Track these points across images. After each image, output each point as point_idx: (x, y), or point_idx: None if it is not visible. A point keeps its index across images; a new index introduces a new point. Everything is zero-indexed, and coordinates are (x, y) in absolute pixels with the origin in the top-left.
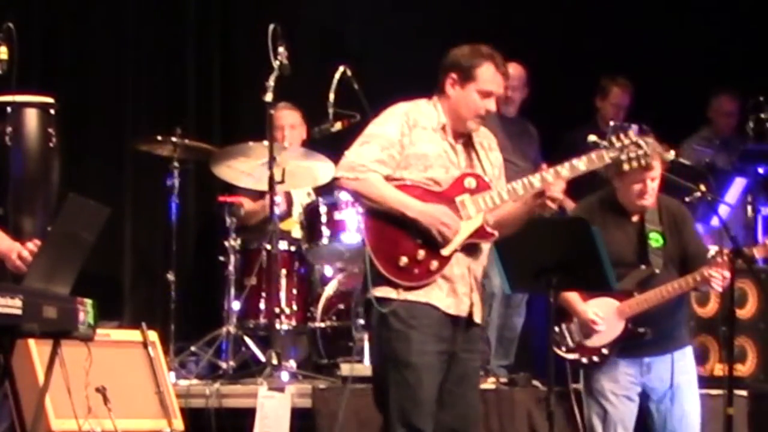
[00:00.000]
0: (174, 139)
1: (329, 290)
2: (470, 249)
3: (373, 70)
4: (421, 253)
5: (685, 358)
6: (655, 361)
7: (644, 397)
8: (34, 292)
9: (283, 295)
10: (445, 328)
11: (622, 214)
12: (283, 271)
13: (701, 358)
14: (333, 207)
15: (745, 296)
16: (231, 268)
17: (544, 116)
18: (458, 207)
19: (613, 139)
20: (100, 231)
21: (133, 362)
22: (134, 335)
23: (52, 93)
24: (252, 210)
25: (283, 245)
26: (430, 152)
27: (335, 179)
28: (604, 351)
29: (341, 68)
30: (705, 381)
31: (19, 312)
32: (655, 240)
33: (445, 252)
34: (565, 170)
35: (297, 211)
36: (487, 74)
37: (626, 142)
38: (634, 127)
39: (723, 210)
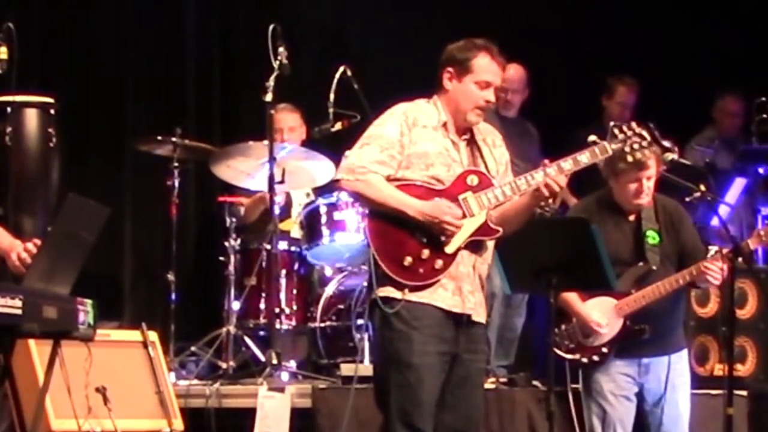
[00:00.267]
0: (174, 139)
1: (329, 290)
2: (475, 247)
3: (373, 70)
4: (426, 252)
5: (681, 361)
6: (653, 363)
7: (640, 397)
8: (34, 292)
9: (283, 295)
10: (447, 329)
11: (619, 214)
12: (283, 271)
13: (701, 358)
14: (333, 207)
15: (745, 296)
16: (231, 268)
17: (545, 116)
18: (461, 204)
19: (616, 131)
20: (100, 231)
21: (133, 362)
22: (134, 335)
23: (52, 93)
24: (251, 205)
25: (282, 245)
26: (431, 150)
27: (336, 181)
28: (604, 350)
29: (341, 68)
30: (705, 381)
31: (19, 312)
32: (652, 238)
33: (449, 250)
34: (568, 164)
35: (296, 211)
36: (483, 64)
37: (629, 133)
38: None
39: (723, 210)
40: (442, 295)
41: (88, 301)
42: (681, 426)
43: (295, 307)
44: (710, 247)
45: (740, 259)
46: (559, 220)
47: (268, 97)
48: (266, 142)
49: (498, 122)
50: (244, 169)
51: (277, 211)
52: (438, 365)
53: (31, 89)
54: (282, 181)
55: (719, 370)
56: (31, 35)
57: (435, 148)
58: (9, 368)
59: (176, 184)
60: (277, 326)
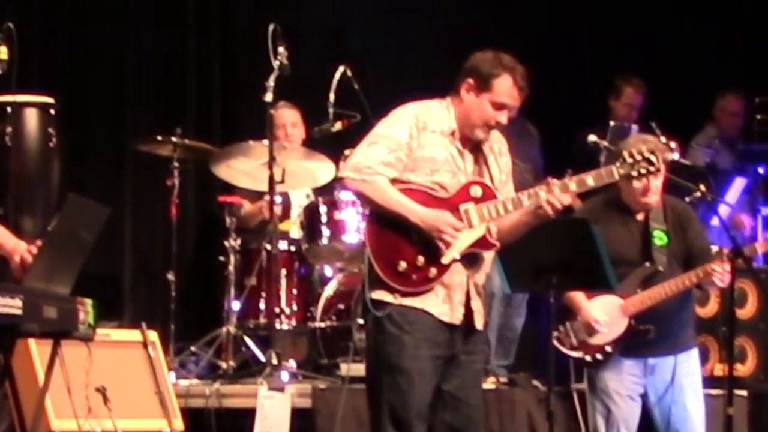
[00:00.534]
0: (174, 139)
1: (329, 290)
2: (471, 258)
3: (373, 70)
4: (421, 260)
5: (689, 360)
6: (659, 363)
7: (646, 398)
8: (34, 292)
9: (283, 295)
10: (440, 333)
11: (627, 213)
12: (283, 271)
13: (701, 358)
14: (333, 207)
15: (745, 296)
16: (231, 268)
17: (545, 116)
18: (462, 215)
19: (625, 154)
20: (100, 231)
21: (133, 362)
22: (134, 335)
23: (52, 93)
24: (250, 212)
25: (282, 245)
26: (438, 156)
27: (340, 178)
28: (608, 349)
29: (341, 68)
30: (705, 381)
31: (19, 312)
32: (660, 238)
33: (444, 260)
34: (573, 184)
35: (295, 212)
36: (504, 87)
37: (638, 158)
38: (634, 127)
39: (723, 210)
40: (432, 301)
41: (88, 301)
42: (690, 426)
43: (295, 307)
44: (712, 247)
45: (740, 260)
46: (560, 220)
47: (268, 97)
48: (266, 141)
49: None
50: (244, 169)
51: (277, 211)
52: (430, 369)
53: (31, 89)
54: (282, 181)
55: (719, 370)
56: (31, 35)
57: (442, 154)
58: (9, 368)
59: (176, 184)
60: (277, 326)
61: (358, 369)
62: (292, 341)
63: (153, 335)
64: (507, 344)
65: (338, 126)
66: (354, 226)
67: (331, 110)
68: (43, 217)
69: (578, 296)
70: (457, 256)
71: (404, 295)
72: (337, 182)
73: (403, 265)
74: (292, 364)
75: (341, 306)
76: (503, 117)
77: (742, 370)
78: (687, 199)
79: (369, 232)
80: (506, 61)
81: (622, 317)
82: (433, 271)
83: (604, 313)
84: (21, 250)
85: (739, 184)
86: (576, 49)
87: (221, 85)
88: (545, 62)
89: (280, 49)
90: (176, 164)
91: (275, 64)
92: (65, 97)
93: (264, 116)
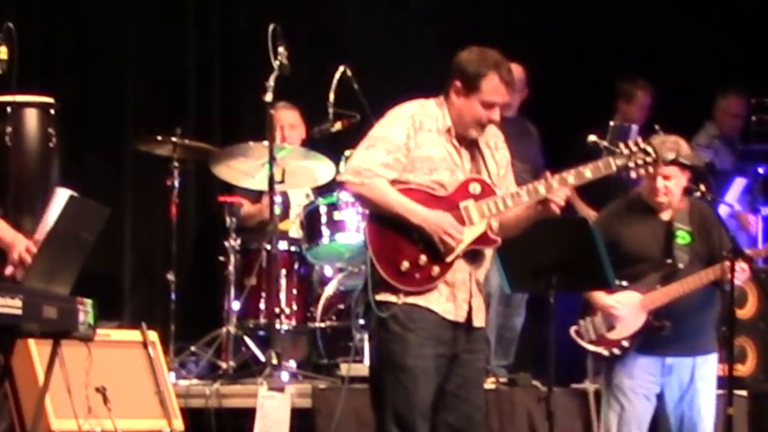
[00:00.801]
0: (174, 139)
1: (329, 290)
2: (473, 255)
3: (373, 70)
4: (423, 259)
5: (707, 364)
6: (676, 364)
7: (661, 398)
8: (34, 292)
9: (283, 295)
10: (444, 331)
11: (650, 212)
12: (283, 271)
13: None
14: (333, 207)
15: (745, 296)
16: (231, 268)
17: (545, 116)
18: (462, 212)
19: (622, 146)
20: (100, 231)
21: (133, 362)
22: (134, 335)
23: (51, 93)
24: (250, 213)
25: (282, 245)
26: (435, 155)
27: (340, 183)
28: (625, 344)
29: (341, 68)
30: None
31: (19, 312)
32: (683, 237)
33: (447, 258)
34: (571, 177)
35: (294, 212)
36: (491, 86)
37: (634, 149)
38: (634, 127)
39: (723, 210)
40: (437, 300)
41: (88, 301)
42: (701, 431)
43: (295, 307)
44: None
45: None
46: (560, 220)
47: (268, 97)
48: (266, 142)
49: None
50: (244, 170)
51: (277, 211)
52: (434, 368)
53: (31, 89)
54: (282, 181)
55: (719, 370)
56: (31, 35)
57: (439, 152)
58: (9, 368)
59: (176, 184)
60: (277, 326)
61: (358, 369)
62: (292, 341)
63: (153, 335)
64: (506, 344)
65: (338, 126)
66: (354, 226)
67: (331, 110)
68: (43, 217)
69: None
70: (460, 254)
71: (408, 294)
72: (336, 186)
73: (405, 264)
74: (292, 364)
75: (341, 306)
76: (495, 114)
77: (742, 370)
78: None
79: (370, 233)
80: (491, 59)
81: (640, 312)
82: (436, 269)
83: (624, 307)
84: (19, 244)
85: (739, 184)
86: (576, 49)
87: (221, 85)
88: (545, 62)
89: (280, 49)
90: (176, 164)
91: (275, 64)
92: (65, 97)
93: (264, 116)
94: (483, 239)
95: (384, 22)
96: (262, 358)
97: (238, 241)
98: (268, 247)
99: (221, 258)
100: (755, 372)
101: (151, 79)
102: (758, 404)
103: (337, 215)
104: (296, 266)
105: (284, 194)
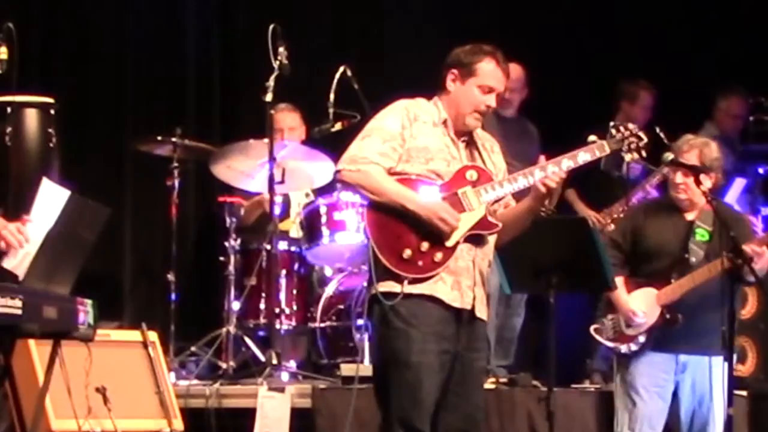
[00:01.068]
0: (174, 139)
1: (329, 290)
2: (475, 241)
3: (373, 70)
4: (425, 245)
5: (720, 365)
6: (691, 362)
7: (674, 396)
8: (34, 292)
9: (283, 295)
10: (447, 327)
11: (676, 212)
12: (283, 271)
13: None
14: (333, 207)
15: (745, 296)
16: (231, 268)
17: (545, 116)
18: (460, 199)
19: (614, 131)
20: (100, 231)
21: (133, 362)
22: (134, 335)
23: (51, 93)
24: (250, 207)
25: (282, 245)
26: (432, 145)
27: (336, 172)
28: (641, 339)
29: (341, 68)
30: None
31: (19, 312)
32: (701, 235)
33: (448, 243)
34: (566, 162)
35: (294, 211)
36: (488, 69)
37: (626, 133)
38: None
39: None
40: (442, 288)
41: (88, 301)
42: (711, 431)
43: (295, 307)
44: None
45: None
46: (559, 220)
47: (268, 97)
48: (266, 140)
49: (497, 122)
50: (244, 170)
51: (277, 211)
52: (437, 364)
53: (31, 89)
54: (282, 181)
55: None
56: (31, 35)
57: (435, 143)
58: (9, 368)
59: (176, 184)
60: (277, 326)
61: (360, 369)
62: (292, 341)
63: (153, 335)
64: (506, 344)
65: (338, 126)
66: (354, 226)
67: (331, 110)
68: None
69: (618, 288)
70: (461, 239)
71: (412, 282)
72: (334, 175)
73: (408, 252)
74: (292, 364)
75: (341, 306)
76: (492, 100)
77: (742, 370)
78: None
79: (370, 223)
80: (486, 47)
81: (656, 307)
82: (439, 255)
83: (642, 305)
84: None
85: (739, 184)
86: (576, 49)
87: (221, 85)
88: (545, 62)
89: (280, 49)
90: (176, 164)
91: (275, 64)
92: (65, 97)
93: (264, 116)
94: (483, 224)
95: (384, 22)
96: (262, 358)
97: (238, 241)
98: (268, 247)
99: (221, 258)
100: (755, 372)
101: (151, 79)
102: (758, 404)
103: (337, 215)
104: (296, 266)
105: (284, 194)
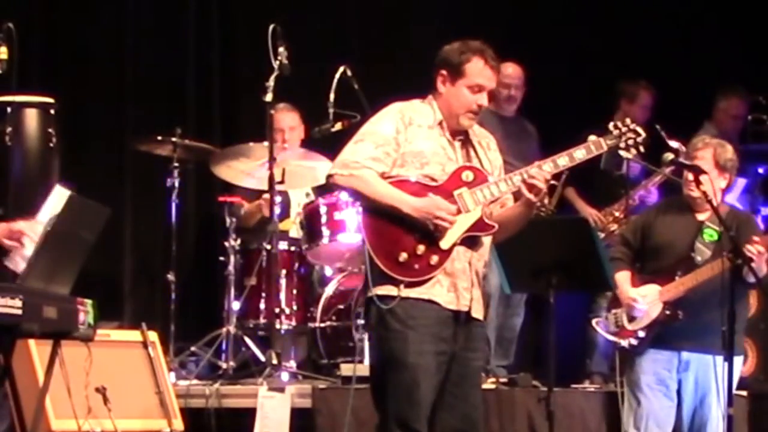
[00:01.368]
0: (174, 139)
1: (329, 290)
2: (471, 243)
3: (373, 70)
4: (421, 248)
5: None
6: (693, 360)
7: (678, 393)
8: (34, 292)
9: (283, 295)
10: (444, 328)
11: (688, 210)
12: (283, 271)
13: None
14: (333, 207)
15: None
16: (231, 268)
17: (545, 116)
18: (456, 200)
19: (611, 127)
20: (100, 231)
21: (133, 362)
22: (134, 335)
23: (52, 93)
24: (249, 211)
25: (283, 245)
26: (427, 149)
27: (329, 176)
28: (641, 334)
29: (341, 68)
30: None
31: (19, 312)
32: (709, 235)
33: (444, 245)
34: (563, 159)
35: (295, 211)
36: (476, 69)
37: (623, 129)
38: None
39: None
40: (438, 291)
41: (88, 301)
42: (710, 430)
43: (295, 307)
44: None
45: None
46: (559, 220)
47: (268, 97)
48: (266, 143)
49: (496, 121)
50: (244, 170)
51: (277, 211)
52: (434, 365)
53: (31, 89)
54: (282, 182)
55: None
56: (31, 35)
57: (431, 147)
58: (9, 368)
59: (176, 184)
60: (277, 326)
61: (358, 369)
62: (292, 341)
63: (153, 335)
64: (506, 344)
65: (338, 126)
66: (354, 226)
67: (331, 110)
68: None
69: (622, 281)
70: (457, 241)
71: (409, 285)
72: (327, 179)
73: (404, 255)
74: (292, 364)
75: (341, 306)
76: (483, 99)
77: (742, 370)
78: None
79: (366, 227)
80: (473, 45)
81: (658, 302)
82: (435, 257)
83: (645, 301)
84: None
85: (739, 184)
86: (576, 49)
87: (221, 86)
88: (545, 62)
89: (280, 49)
90: (176, 164)
91: (275, 64)
92: (65, 97)
93: (264, 116)
94: (479, 225)
95: (384, 22)
96: (262, 358)
97: (238, 241)
98: (268, 247)
99: (221, 258)
100: (755, 372)
101: (151, 79)
102: (758, 404)
103: (337, 215)
104: (296, 266)
105: (284, 194)
